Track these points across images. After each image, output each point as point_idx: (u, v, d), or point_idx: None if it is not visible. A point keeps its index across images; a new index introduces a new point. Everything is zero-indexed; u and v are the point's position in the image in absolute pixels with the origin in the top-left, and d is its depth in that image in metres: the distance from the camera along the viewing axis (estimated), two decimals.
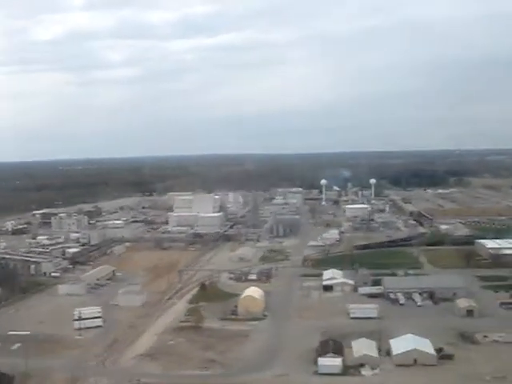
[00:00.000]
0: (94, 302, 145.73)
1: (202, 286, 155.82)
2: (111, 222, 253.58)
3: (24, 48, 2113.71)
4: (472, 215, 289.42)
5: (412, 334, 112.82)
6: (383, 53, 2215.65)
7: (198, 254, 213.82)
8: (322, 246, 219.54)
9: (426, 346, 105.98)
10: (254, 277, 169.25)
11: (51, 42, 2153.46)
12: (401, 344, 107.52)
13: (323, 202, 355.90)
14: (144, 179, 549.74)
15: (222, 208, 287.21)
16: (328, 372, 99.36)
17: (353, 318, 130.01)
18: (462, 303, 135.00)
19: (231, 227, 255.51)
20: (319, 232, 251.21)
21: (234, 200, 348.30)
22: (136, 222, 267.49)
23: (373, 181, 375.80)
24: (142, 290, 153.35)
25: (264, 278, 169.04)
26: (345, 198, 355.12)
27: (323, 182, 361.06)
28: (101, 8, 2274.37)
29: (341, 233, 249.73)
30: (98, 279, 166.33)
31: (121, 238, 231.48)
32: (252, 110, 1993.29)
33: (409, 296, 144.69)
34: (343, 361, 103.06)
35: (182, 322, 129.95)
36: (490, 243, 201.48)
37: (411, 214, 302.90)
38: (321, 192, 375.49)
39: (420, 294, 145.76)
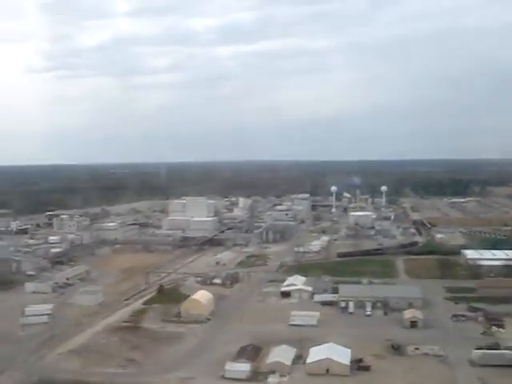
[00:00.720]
0: (55, 300, 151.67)
1: (160, 288, 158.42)
2: (106, 224, 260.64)
3: (70, 54, 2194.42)
4: (476, 225, 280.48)
5: (336, 343, 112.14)
6: (423, 60, 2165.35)
7: (181, 257, 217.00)
8: (306, 252, 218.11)
9: (342, 356, 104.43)
10: (218, 281, 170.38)
11: (96, 47, 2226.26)
12: (318, 353, 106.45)
13: (333, 209, 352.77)
14: (169, 183, 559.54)
15: (216, 212, 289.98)
16: (234, 377, 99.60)
17: (292, 325, 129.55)
18: (407, 314, 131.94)
19: (223, 232, 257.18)
20: (313, 239, 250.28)
21: (244, 205, 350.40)
22: (134, 224, 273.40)
23: (384, 188, 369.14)
24: (100, 290, 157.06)
25: (228, 282, 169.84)
26: (352, 206, 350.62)
27: (333, 188, 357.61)
28: (145, 15, 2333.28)
29: (333, 240, 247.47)
30: (67, 278, 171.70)
31: (113, 239, 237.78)
32: (294, 117, 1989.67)
33: (361, 305, 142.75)
34: (254, 367, 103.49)
35: (124, 322, 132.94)
36: (472, 253, 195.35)
37: (414, 222, 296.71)
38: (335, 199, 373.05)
39: (374, 303, 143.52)
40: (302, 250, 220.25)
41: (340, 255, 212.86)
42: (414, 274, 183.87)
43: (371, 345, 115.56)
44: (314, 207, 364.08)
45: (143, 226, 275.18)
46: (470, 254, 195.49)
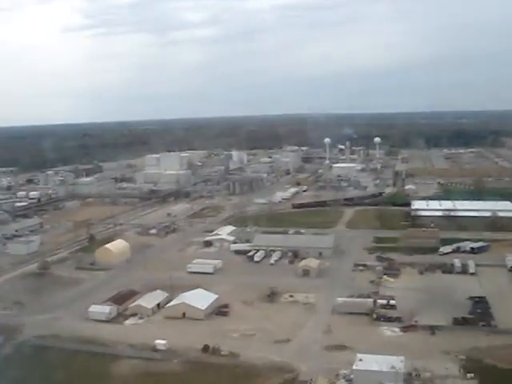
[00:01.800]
0: None
1: (91, 238, 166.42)
2: (83, 179, 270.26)
3: (107, 11, 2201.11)
4: (458, 176, 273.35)
5: (221, 289, 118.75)
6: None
7: (142, 209, 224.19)
8: (265, 203, 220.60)
9: (203, 302, 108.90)
10: (154, 231, 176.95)
11: (133, 4, 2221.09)
12: (183, 298, 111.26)
13: (327, 161, 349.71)
14: (187, 138, 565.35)
15: (190, 166, 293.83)
16: (96, 318, 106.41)
17: (190, 273, 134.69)
18: (301, 263, 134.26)
19: (195, 184, 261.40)
20: (283, 190, 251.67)
21: (238, 158, 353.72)
22: (114, 179, 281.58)
23: (377, 140, 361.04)
24: (35, 240, 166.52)
25: (163, 232, 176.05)
26: (344, 157, 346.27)
27: (327, 140, 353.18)
28: None
29: (302, 191, 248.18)
30: (16, 230, 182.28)
31: (87, 193, 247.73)
32: (332, 70, 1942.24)
33: (271, 254, 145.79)
34: (120, 310, 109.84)
35: (39, 269, 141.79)
36: (418, 204, 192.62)
37: (396, 173, 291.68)
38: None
39: (285, 252, 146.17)
40: (261, 201, 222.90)
41: (295, 206, 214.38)
42: (353, 225, 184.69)
43: (251, 292, 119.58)
44: (308, 159, 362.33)
45: (121, 180, 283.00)
46: (416, 204, 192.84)
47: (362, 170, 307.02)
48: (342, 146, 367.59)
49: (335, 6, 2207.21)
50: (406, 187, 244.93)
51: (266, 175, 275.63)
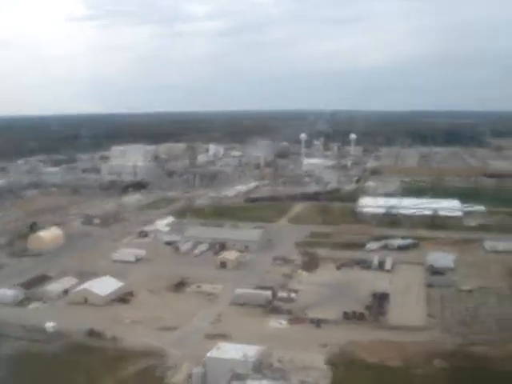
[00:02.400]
0: None
1: (32, 225, 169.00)
2: (48, 169, 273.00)
3: (111, 2, 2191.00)
4: (423, 174, 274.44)
5: (135, 278, 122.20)
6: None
7: (100, 199, 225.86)
8: (220, 197, 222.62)
9: (105, 288, 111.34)
10: (97, 221, 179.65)
11: None
12: (89, 284, 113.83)
13: (302, 156, 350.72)
14: (176, 131, 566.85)
15: (156, 158, 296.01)
16: (2, 302, 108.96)
17: (114, 261, 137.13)
18: (221, 255, 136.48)
19: (157, 177, 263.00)
20: (244, 184, 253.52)
21: (214, 152, 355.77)
22: (83, 169, 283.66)
23: (353, 136, 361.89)
24: None
25: (106, 222, 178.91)
26: (316, 153, 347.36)
27: (302, 136, 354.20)
28: None
29: (263, 185, 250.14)
30: None
31: (51, 183, 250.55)
32: (336, 66, 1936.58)
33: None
34: (29, 294, 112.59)
35: None
36: (364, 201, 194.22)
37: (365, 170, 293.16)
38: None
39: (213, 245, 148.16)
40: (215, 194, 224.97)
41: (247, 200, 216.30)
42: (296, 220, 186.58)
43: (162, 281, 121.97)
44: (285, 154, 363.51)
45: (90, 171, 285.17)
46: (362, 201, 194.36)
47: (333, 166, 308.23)
48: (318, 142, 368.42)
49: (342, 3, 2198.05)
50: (366, 184, 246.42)
51: (230, 169, 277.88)
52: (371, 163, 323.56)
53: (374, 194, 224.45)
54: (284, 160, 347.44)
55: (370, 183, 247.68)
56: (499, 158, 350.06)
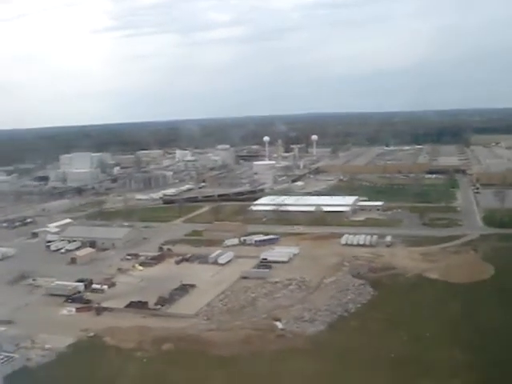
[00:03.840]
0: None
1: None
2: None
3: (133, 12, 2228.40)
4: (369, 172, 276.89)
5: None
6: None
7: (35, 204, 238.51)
8: (147, 199, 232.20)
9: None
10: (5, 224, 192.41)
11: (157, 5, 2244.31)
12: None
13: (266, 159, 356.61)
14: (178, 137, 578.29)
15: (102, 165, 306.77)
16: None
17: None
18: (75, 252, 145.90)
19: (101, 182, 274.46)
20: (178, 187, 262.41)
21: (181, 157, 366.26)
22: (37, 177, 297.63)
23: (314, 137, 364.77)
24: None
25: (13, 225, 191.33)
26: (275, 155, 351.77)
27: (266, 139, 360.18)
28: None
29: (198, 188, 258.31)
30: None
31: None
32: (357, 69, 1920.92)
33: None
34: None
35: None
36: (265, 200, 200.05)
37: (310, 170, 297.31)
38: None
39: (85, 242, 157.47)
40: (143, 197, 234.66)
41: (165, 201, 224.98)
42: (192, 219, 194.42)
43: (6, 276, 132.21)
44: (249, 157, 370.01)
45: (40, 179, 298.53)
46: (262, 200, 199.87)
47: (286, 167, 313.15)
48: (279, 145, 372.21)
49: (360, 4, 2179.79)
50: (295, 183, 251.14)
51: (171, 173, 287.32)
52: (322, 163, 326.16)
53: (298, 192, 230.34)
54: (247, 162, 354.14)
55: (299, 183, 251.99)
56: (456, 155, 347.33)
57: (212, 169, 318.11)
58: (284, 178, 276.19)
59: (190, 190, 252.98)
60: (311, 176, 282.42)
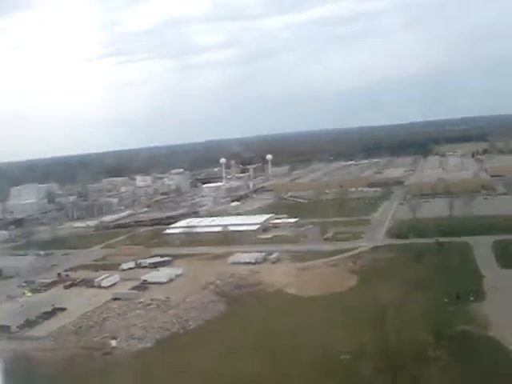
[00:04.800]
0: None
1: None
2: None
3: (123, 39, 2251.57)
4: (310, 189, 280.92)
5: None
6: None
7: None
8: (84, 227, 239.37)
9: None
10: None
11: (148, 31, 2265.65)
12: None
13: (223, 181, 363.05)
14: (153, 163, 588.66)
15: (50, 196, 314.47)
16: None
17: None
18: None
19: (45, 212, 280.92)
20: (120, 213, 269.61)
21: (141, 183, 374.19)
22: None
23: (269, 157, 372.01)
24: None
25: None
26: (229, 177, 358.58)
27: (222, 160, 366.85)
28: None
29: (139, 213, 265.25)
30: None
31: None
32: (350, 84, 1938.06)
33: None
34: None
35: None
36: (181, 223, 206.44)
37: (256, 190, 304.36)
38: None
39: None
40: (80, 225, 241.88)
41: (97, 229, 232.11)
42: (109, 245, 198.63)
43: None
44: (207, 180, 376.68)
45: None
46: (180, 223, 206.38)
47: (237, 187, 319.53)
48: (233, 165, 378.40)
49: (349, 21, 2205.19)
50: (231, 204, 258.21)
51: (116, 200, 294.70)
52: (273, 181, 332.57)
53: (230, 213, 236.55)
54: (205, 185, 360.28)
55: (235, 203, 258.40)
56: (406, 166, 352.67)
57: (164, 193, 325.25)
58: (227, 198, 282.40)
59: (130, 215, 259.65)
60: (254, 196, 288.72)
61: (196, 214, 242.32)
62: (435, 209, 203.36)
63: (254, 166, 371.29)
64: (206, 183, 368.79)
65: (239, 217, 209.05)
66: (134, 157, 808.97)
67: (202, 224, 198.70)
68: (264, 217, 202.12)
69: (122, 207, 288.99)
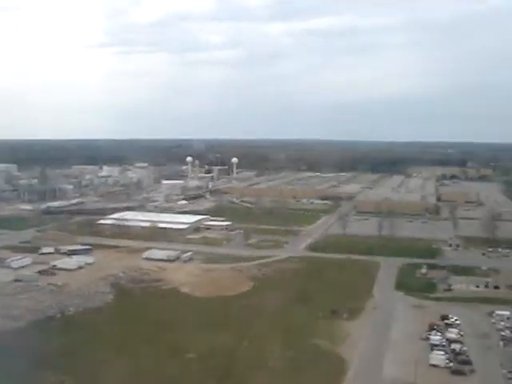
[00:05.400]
0: None
1: None
2: None
3: (127, 30, 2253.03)
4: (265, 195, 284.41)
5: None
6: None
7: None
8: (31, 210, 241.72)
9: None
10: None
11: (152, 24, 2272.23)
12: None
13: (188, 179, 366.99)
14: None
15: (8, 177, 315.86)
16: None
17: None
18: None
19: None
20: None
21: (106, 173, 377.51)
22: None
23: (234, 160, 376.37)
24: None
25: None
26: (192, 176, 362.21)
27: (189, 159, 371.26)
28: None
29: (87, 202, 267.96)
30: None
31: None
32: (342, 98, 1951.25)
33: None
34: None
35: None
36: (117, 215, 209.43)
37: (211, 191, 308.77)
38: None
39: None
40: (27, 207, 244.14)
41: (44, 212, 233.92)
42: (46, 229, 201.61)
43: None
44: (172, 176, 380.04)
45: None
46: (115, 215, 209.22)
47: (196, 186, 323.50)
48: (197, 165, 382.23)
49: (352, 33, 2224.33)
50: (179, 202, 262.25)
51: (71, 187, 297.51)
52: (231, 184, 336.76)
53: (174, 210, 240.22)
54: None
55: (183, 202, 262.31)
56: (367, 183, 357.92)
57: (124, 185, 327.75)
58: (180, 197, 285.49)
59: (79, 203, 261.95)
60: (208, 196, 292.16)
61: (141, 208, 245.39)
62: (367, 227, 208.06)
63: (219, 167, 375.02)
64: (170, 179, 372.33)
65: (175, 215, 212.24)
66: (118, 147, 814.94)
67: (136, 218, 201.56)
68: (198, 217, 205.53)
69: (77, 194, 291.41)
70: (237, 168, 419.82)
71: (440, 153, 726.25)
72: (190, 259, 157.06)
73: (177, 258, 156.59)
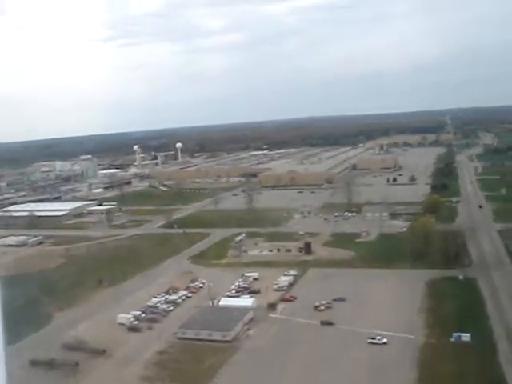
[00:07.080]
0: None
1: None
2: None
3: (128, 22, 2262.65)
4: (192, 177, 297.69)
5: None
6: None
7: None
8: None
9: None
10: None
11: (154, 14, 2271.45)
12: None
13: (134, 168, 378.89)
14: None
15: None
16: None
17: None
18: None
19: None
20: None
21: (61, 167, 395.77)
22: None
23: (179, 145, 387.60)
24: None
25: None
26: (136, 163, 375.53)
27: (136, 148, 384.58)
28: None
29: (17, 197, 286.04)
30: None
31: None
32: (353, 71, 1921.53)
33: None
34: None
35: None
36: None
37: (142, 177, 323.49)
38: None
39: None
40: None
41: None
42: None
43: None
44: (122, 166, 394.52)
45: None
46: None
47: (135, 174, 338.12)
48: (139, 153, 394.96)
49: (354, 6, 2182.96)
50: (95, 191, 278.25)
51: (4, 184, 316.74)
52: (162, 169, 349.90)
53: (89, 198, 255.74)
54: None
55: (99, 190, 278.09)
56: (298, 158, 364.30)
57: (65, 178, 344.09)
58: (105, 185, 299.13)
59: (7, 199, 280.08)
60: (135, 183, 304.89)
61: (57, 200, 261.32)
62: (242, 201, 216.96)
63: (165, 153, 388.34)
64: (120, 169, 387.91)
65: (61, 204, 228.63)
66: (103, 141, 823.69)
67: (27, 208, 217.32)
68: (79, 204, 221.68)
69: (13, 190, 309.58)
70: (198, 153, 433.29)
71: (424, 120, 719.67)
72: (41, 243, 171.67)
73: (25, 244, 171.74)
